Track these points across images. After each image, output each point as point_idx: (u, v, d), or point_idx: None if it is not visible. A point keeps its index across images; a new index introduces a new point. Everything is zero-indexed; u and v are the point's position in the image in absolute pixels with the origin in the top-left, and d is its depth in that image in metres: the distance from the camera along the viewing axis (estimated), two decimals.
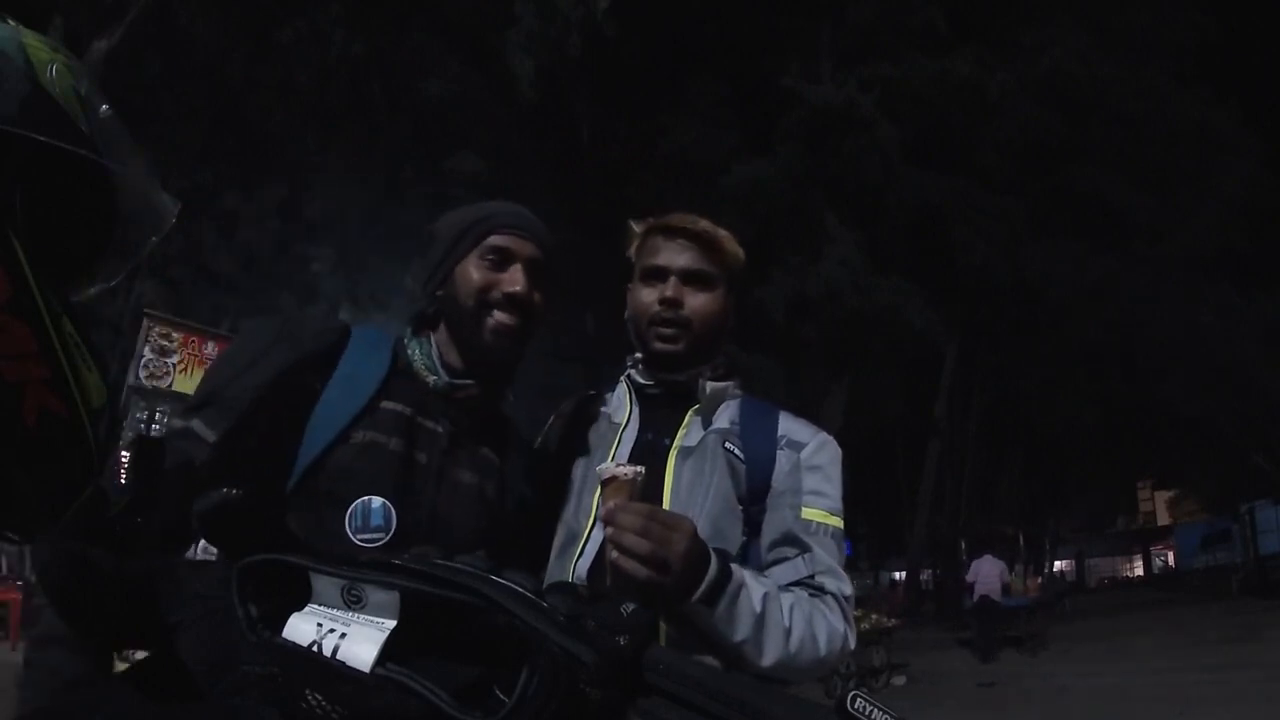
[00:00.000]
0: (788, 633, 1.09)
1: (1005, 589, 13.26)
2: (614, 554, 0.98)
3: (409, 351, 1.20)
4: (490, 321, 1.17)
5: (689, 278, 1.26)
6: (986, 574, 12.80)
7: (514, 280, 1.18)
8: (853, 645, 1.18)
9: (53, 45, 0.60)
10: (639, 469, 1.07)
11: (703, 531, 1.06)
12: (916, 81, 16.21)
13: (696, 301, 1.26)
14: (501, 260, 1.19)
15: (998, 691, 9.12)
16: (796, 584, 1.17)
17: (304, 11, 12.85)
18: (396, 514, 1.07)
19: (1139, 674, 9.26)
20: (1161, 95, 18.13)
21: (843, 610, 1.17)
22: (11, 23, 0.58)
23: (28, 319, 0.51)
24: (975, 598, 12.77)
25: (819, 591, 1.17)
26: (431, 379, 1.18)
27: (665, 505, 1.18)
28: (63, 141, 0.56)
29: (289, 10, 12.74)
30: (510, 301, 1.18)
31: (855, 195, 16.02)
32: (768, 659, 1.07)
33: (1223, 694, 7.42)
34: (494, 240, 1.19)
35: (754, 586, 1.08)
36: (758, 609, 1.06)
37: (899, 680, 10.11)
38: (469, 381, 1.19)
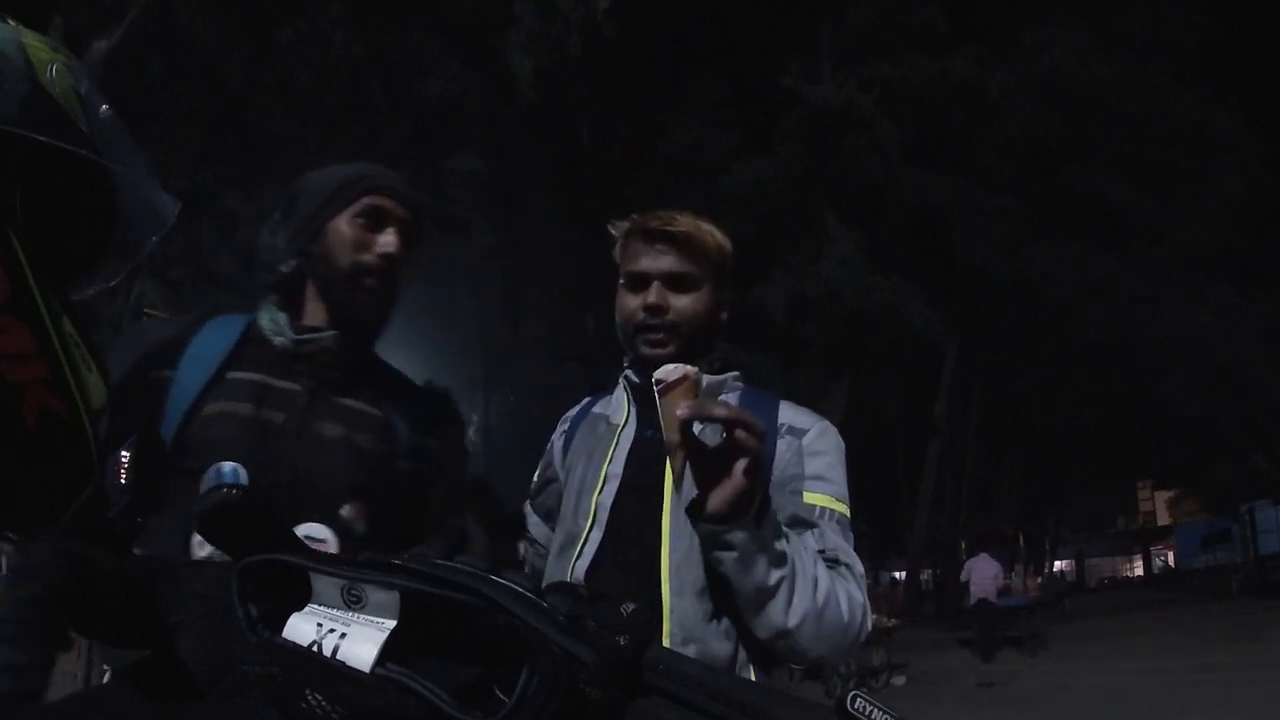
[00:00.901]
0: (815, 583, 1.06)
1: (1005, 590, 13.18)
2: (741, 434, 0.96)
3: (259, 321, 1.19)
4: (362, 281, 1.17)
5: (670, 281, 1.24)
6: (981, 574, 12.70)
7: (388, 241, 1.18)
8: (870, 625, 1.15)
9: (53, 45, 0.60)
10: (697, 369, 1.06)
11: None
12: (916, 81, 16.24)
13: (681, 304, 1.23)
14: (376, 221, 1.19)
15: (998, 691, 9.11)
16: None
17: (304, 11, 12.84)
18: (251, 476, 1.08)
19: (1139, 674, 9.25)
20: (1161, 95, 18.16)
21: (859, 584, 1.14)
22: (11, 23, 0.58)
23: (28, 319, 0.51)
24: (972, 600, 12.70)
25: (834, 563, 1.14)
26: (278, 340, 1.17)
27: (667, 501, 1.17)
28: (63, 141, 0.56)
29: (289, 10, 12.73)
30: (384, 262, 1.18)
31: (855, 195, 16.05)
32: (795, 612, 1.04)
33: (1223, 694, 7.41)
34: (371, 200, 1.19)
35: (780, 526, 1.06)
36: (787, 549, 1.04)
37: (899, 680, 10.11)
38: (316, 336, 1.17)
